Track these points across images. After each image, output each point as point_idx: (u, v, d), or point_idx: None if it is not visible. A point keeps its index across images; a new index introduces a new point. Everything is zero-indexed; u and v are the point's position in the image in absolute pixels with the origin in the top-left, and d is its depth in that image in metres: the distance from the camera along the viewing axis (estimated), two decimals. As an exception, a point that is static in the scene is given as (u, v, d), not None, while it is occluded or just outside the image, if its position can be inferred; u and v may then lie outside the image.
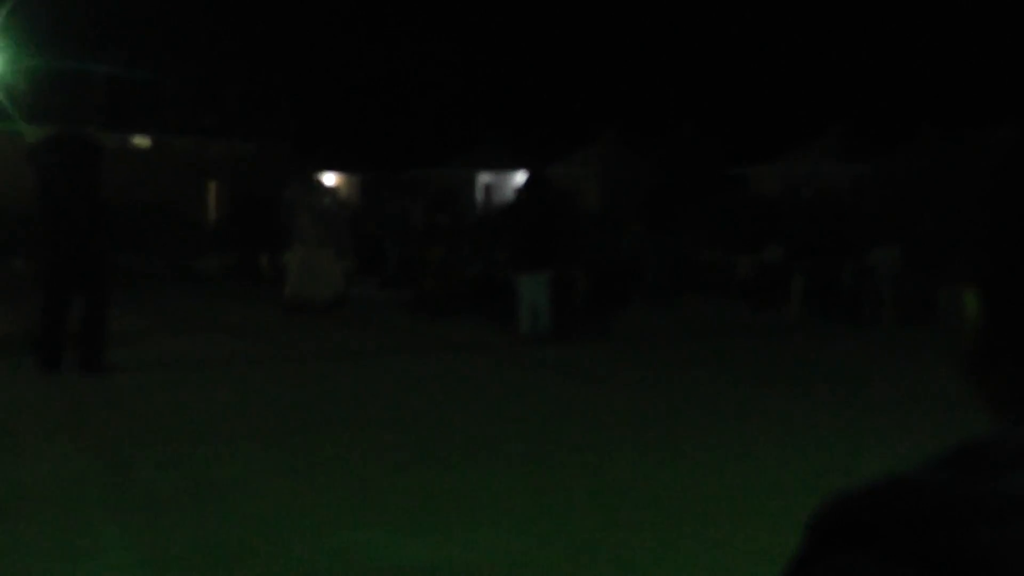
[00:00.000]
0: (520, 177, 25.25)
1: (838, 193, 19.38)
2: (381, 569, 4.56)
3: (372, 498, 5.59)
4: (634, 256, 16.77)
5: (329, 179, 39.87)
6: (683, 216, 18.94)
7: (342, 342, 11.99)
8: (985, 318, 0.69)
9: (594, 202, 34.07)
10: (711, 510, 5.45)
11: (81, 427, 7.14)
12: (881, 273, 14.90)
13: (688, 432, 7.29)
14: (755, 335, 13.33)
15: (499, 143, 46.51)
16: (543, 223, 12.33)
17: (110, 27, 34.73)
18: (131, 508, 5.34)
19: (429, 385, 9.14)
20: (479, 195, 44.52)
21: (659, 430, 7.38)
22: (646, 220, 17.98)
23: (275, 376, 9.48)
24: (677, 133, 44.12)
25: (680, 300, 16.57)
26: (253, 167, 32.04)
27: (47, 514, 5.20)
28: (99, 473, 5.99)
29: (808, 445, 6.97)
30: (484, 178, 46.28)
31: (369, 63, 50.15)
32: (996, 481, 0.57)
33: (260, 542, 4.81)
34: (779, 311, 15.50)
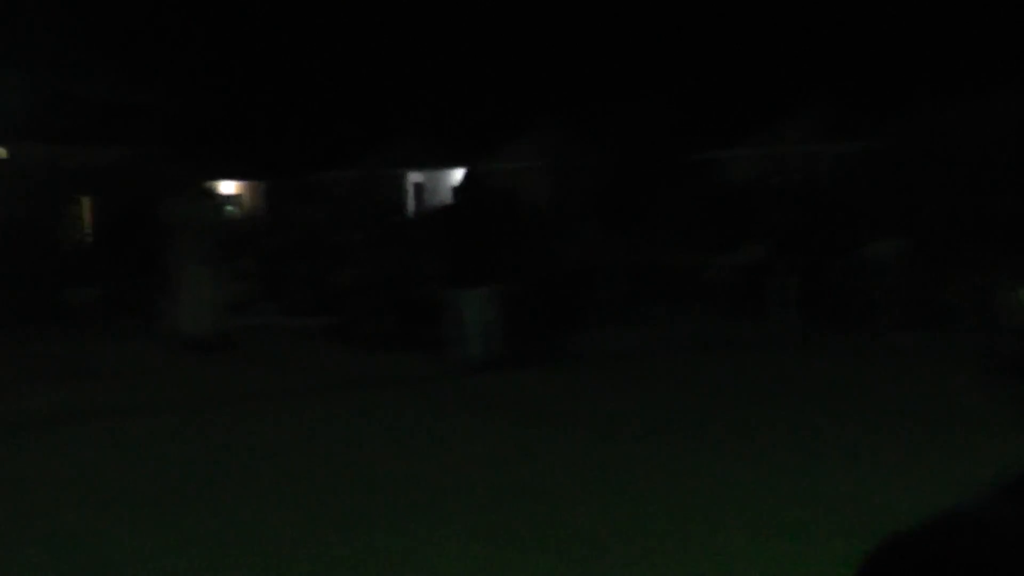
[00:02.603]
0: (458, 175, 25.19)
1: (824, 178, 19.51)
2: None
3: (293, 572, 5.47)
4: (588, 262, 16.75)
5: (227, 188, 39.61)
6: (643, 212, 18.98)
7: (246, 383, 11.83)
8: None
9: (538, 200, 34.13)
10: (692, 557, 5.39)
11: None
12: (878, 271, 14.99)
13: (658, 472, 7.24)
14: (732, 350, 13.33)
15: (429, 138, 46.54)
16: (484, 230, 12.26)
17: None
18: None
19: (352, 431, 9.02)
20: (409, 197, 44.47)
21: (626, 474, 7.31)
22: (600, 219, 17.99)
23: (164, 428, 9.32)
24: (630, 113, 44.36)
25: (644, 312, 16.58)
26: (127, 177, 31.75)
27: None
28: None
29: (801, 477, 6.93)
30: (414, 177, 46.28)
31: (268, 48, 49.81)
32: None
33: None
34: (760, 320, 15.54)
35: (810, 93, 43.09)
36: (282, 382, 11.91)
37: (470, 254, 12.20)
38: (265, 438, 8.80)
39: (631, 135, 40.60)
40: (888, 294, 14.82)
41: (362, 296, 14.73)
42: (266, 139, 47.66)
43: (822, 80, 46.10)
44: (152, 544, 5.96)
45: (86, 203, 32.30)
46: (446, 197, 35.58)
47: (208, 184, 16.01)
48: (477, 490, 6.89)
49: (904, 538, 0.59)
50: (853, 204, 17.04)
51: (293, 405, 10.41)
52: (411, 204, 42.26)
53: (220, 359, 13.46)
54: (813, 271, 15.46)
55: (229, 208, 15.17)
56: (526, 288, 13.58)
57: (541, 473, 7.32)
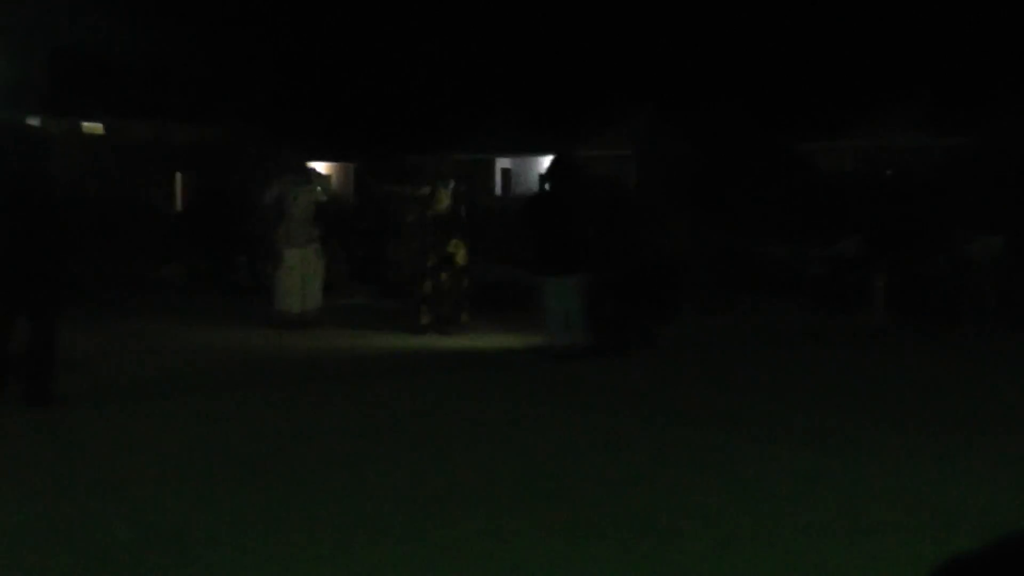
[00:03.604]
0: (545, 162, 25.16)
1: (927, 172, 19.26)
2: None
3: (375, 554, 5.53)
4: (683, 253, 16.68)
5: (319, 168, 40.02)
6: (739, 204, 18.85)
7: (338, 363, 11.94)
8: None
9: (630, 188, 34.01)
10: (774, 554, 5.38)
11: (25, 469, 7.11)
12: (981, 268, 14.78)
13: (747, 464, 7.23)
14: (829, 345, 13.24)
15: (518, 124, 46.34)
16: (573, 217, 12.24)
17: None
18: (83, 565, 5.29)
19: (439, 414, 9.09)
20: (497, 183, 44.51)
21: (715, 462, 7.31)
22: (693, 209, 17.89)
23: (256, 406, 9.44)
24: (727, 105, 44.00)
25: (739, 304, 16.49)
26: (224, 155, 32.13)
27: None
28: (45, 523, 5.95)
29: (886, 482, 6.88)
30: (502, 163, 46.25)
31: (363, 32, 50.12)
32: None
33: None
34: (858, 315, 15.39)
35: (912, 86, 42.46)
36: (378, 363, 11.98)
37: (557, 241, 12.19)
38: (355, 418, 8.88)
39: (726, 127, 40.29)
40: (985, 294, 14.61)
41: (459, 280, 14.72)
42: (356, 121, 47.93)
43: (924, 73, 45.36)
44: (238, 519, 6.06)
45: (181, 179, 32.77)
46: (534, 183, 35.53)
47: (308, 165, 16.18)
48: (553, 481, 6.91)
49: (965, 561, 0.62)
50: (954, 200, 16.81)
51: (385, 386, 10.49)
52: (499, 189, 42.29)
53: (318, 339, 13.59)
54: (912, 267, 15.29)
55: (323, 189, 15.27)
56: (615, 277, 13.54)
57: (616, 463, 7.32)
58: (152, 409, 9.25)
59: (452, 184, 14.46)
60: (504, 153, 45.77)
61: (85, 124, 35.52)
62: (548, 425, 8.60)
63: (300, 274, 14.63)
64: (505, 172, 45.95)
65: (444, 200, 14.32)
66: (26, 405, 9.00)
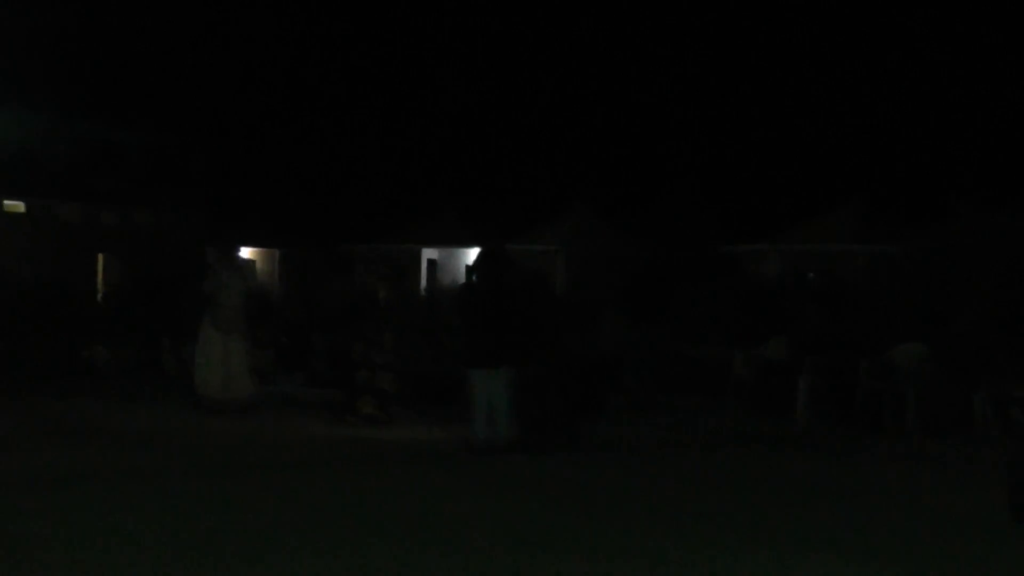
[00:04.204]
0: (473, 253, 25.26)
1: (852, 277, 19.57)
2: None
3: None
4: (612, 350, 16.76)
5: (243, 253, 39.90)
6: (669, 303, 19.02)
7: (266, 451, 11.86)
8: None
9: (562, 284, 34.20)
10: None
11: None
12: (904, 374, 14.97)
13: (654, 561, 7.26)
14: (754, 447, 13.33)
15: (448, 215, 46.53)
16: (504, 308, 12.28)
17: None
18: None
19: (368, 506, 9.03)
20: (423, 274, 44.53)
21: (636, 565, 7.32)
22: (626, 307, 18.02)
23: (179, 494, 9.32)
24: (661, 204, 44.52)
25: (666, 403, 16.55)
26: (153, 239, 31.99)
27: None
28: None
29: (776, 569, 6.95)
30: (429, 254, 46.30)
31: (292, 118, 50.24)
32: None
33: None
34: (784, 417, 15.52)
35: (841, 192, 43.17)
36: (304, 452, 11.92)
37: (486, 333, 12.22)
38: (284, 507, 8.80)
39: (659, 226, 40.73)
40: (907, 401, 14.80)
41: (392, 369, 14.71)
42: (283, 208, 47.85)
43: (854, 181, 46.25)
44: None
45: (106, 261, 32.52)
46: (460, 275, 35.63)
47: (238, 250, 16.19)
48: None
49: None
50: (881, 305, 17.08)
51: (312, 476, 10.43)
52: (423, 280, 42.28)
53: (246, 426, 13.52)
54: (838, 370, 15.45)
55: (250, 276, 15.33)
56: (545, 372, 13.56)
57: (530, 555, 7.32)
58: (68, 497, 9.10)
59: (387, 275, 14.58)
60: (430, 244, 45.83)
61: (7, 202, 35.21)
62: (462, 520, 8.55)
63: (224, 360, 14.61)
64: (431, 263, 45.99)
65: (381, 292, 14.41)
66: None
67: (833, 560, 7.45)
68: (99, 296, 25.70)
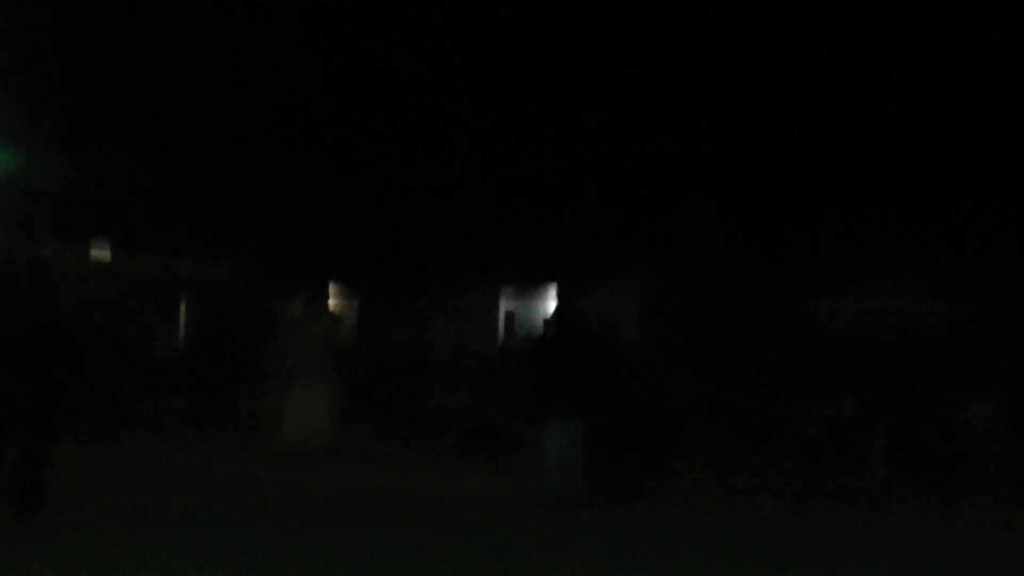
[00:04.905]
0: (549, 305, 25.26)
1: (927, 335, 19.33)
2: None
3: None
4: (682, 404, 16.65)
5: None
6: (737, 358, 18.87)
7: (341, 501, 11.89)
8: None
9: (633, 338, 34.03)
10: None
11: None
12: (980, 433, 14.74)
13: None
14: (825, 503, 13.16)
15: (525, 267, 46.48)
16: (573, 363, 12.27)
17: (60, 120, 35.27)
18: None
19: (443, 561, 9.01)
20: (500, 325, 44.53)
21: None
22: (695, 362, 17.90)
23: (250, 542, 9.35)
24: (732, 259, 44.29)
25: (732, 458, 16.41)
26: (230, 289, 32.21)
27: None
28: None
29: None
30: (506, 307, 46.30)
31: (368, 173, 50.65)
32: None
33: None
34: (850, 474, 15.32)
35: (914, 248, 42.73)
36: (376, 502, 11.94)
37: (555, 387, 12.23)
38: (362, 559, 8.80)
39: (730, 282, 40.54)
40: (983, 458, 14.56)
41: (448, 423, 14.81)
42: (359, 261, 48.07)
43: (928, 236, 45.76)
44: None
45: (184, 311, 32.81)
46: (537, 328, 35.64)
47: (326, 301, 16.22)
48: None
49: None
50: (956, 362, 16.84)
51: (384, 526, 10.44)
52: (501, 333, 42.23)
53: (319, 477, 13.56)
54: (911, 429, 15.25)
55: (338, 329, 15.44)
56: (613, 426, 13.53)
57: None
58: (142, 544, 9.15)
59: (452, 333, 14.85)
60: (507, 296, 45.82)
61: (93, 252, 35.65)
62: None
63: (303, 410, 14.60)
64: (509, 315, 45.92)
65: (446, 350, 14.63)
66: (11, 533, 8.89)
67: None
68: (177, 345, 25.92)
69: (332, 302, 40.61)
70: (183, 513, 10.65)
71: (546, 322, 14.12)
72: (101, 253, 36.17)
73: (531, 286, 44.85)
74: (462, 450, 14.52)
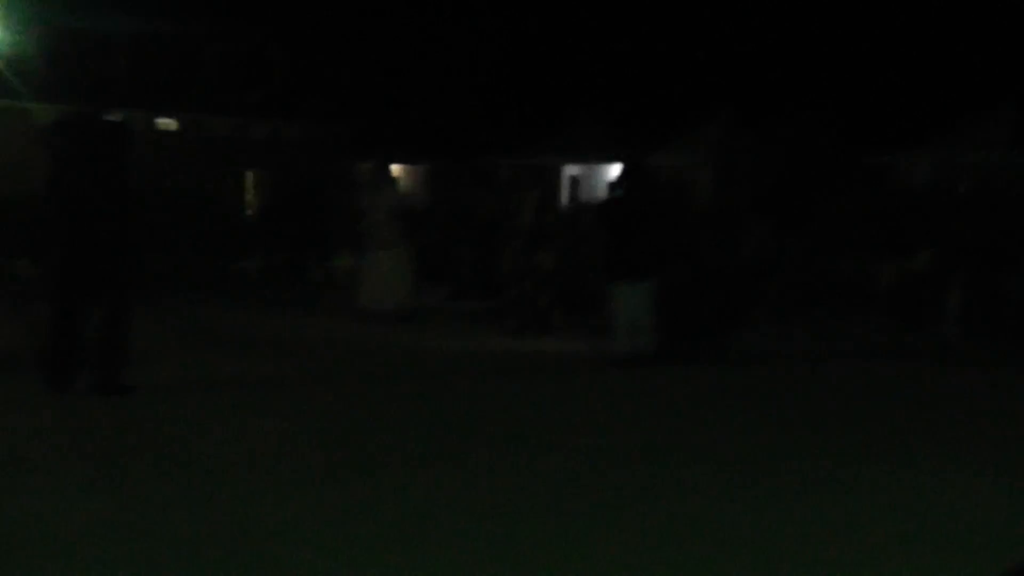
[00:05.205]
0: (615, 169, 25.10)
1: (1004, 187, 19.02)
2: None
3: (449, 554, 5.57)
4: (757, 262, 16.58)
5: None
6: (813, 214, 18.71)
7: (412, 361, 12.05)
8: None
9: (706, 196, 33.85)
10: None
11: (96, 459, 7.21)
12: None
13: (789, 474, 7.20)
14: (899, 361, 13.08)
15: (588, 127, 45.98)
16: (644, 223, 12.24)
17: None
18: (153, 557, 5.37)
19: (514, 414, 9.13)
20: (564, 189, 44.41)
21: (771, 479, 7.28)
22: (771, 218, 17.78)
23: (331, 401, 9.52)
24: (802, 115, 43.62)
25: (808, 315, 16.34)
26: (300, 153, 32.32)
27: (56, 562, 5.26)
28: (116, 514, 6.03)
29: (934, 493, 6.84)
30: (571, 170, 46.06)
31: (428, 36, 50.14)
32: None
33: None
34: (932, 330, 15.22)
35: (995, 98, 41.82)
36: (451, 362, 12.10)
37: (627, 247, 12.20)
38: (431, 414, 8.92)
39: (805, 135, 39.95)
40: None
41: (521, 282, 14.90)
42: (422, 124, 47.94)
43: (1008, 85, 44.69)
44: (311, 514, 6.11)
45: (256, 176, 33.00)
46: (602, 191, 35.53)
47: (389, 166, 16.52)
48: (594, 488, 6.91)
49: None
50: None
51: (459, 383, 10.61)
52: (565, 196, 42.16)
53: (397, 337, 13.78)
54: (987, 283, 15.10)
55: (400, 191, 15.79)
56: (686, 284, 13.52)
57: (662, 473, 7.31)
58: (224, 402, 9.35)
59: (535, 194, 14.94)
60: (573, 160, 45.53)
61: (160, 120, 35.86)
62: (596, 432, 8.59)
63: (378, 271, 15.01)
64: (573, 180, 45.73)
65: (528, 211, 14.67)
66: (97, 395, 9.11)
67: (969, 476, 7.34)
68: (248, 211, 26.15)
69: (397, 168, 40.78)
70: (263, 373, 10.84)
71: (611, 184, 14.08)
72: (167, 121, 36.36)
73: (597, 148, 44.52)
74: (539, 311, 14.62)
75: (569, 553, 5.57)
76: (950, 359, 13.29)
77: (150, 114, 33.92)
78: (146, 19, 34.85)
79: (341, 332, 14.02)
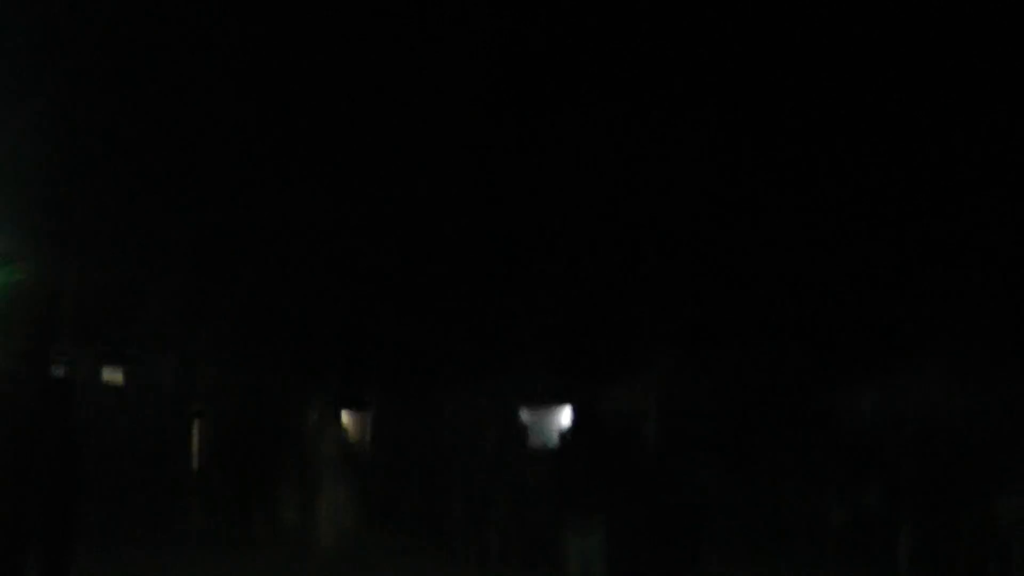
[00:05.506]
0: (565, 414, 25.25)
1: (954, 425, 19.20)
2: None
3: None
4: (706, 500, 16.55)
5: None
6: (763, 452, 18.81)
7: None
8: None
9: (653, 435, 33.79)
10: None
11: None
12: (1007, 528, 14.58)
13: None
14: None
15: (538, 372, 46.00)
16: (595, 467, 12.29)
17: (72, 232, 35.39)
18: None
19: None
20: (515, 435, 44.24)
21: None
22: (719, 457, 17.85)
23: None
24: (754, 350, 43.93)
25: (761, 554, 16.27)
26: (247, 398, 32.24)
27: None
28: None
29: None
30: (522, 416, 45.92)
31: (382, 284, 50.78)
32: None
33: None
34: (883, 569, 15.16)
35: (939, 334, 42.37)
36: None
37: (574, 496, 12.23)
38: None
39: (752, 373, 40.25)
40: (1018, 554, 14.41)
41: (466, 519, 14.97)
42: (373, 373, 47.97)
43: (953, 322, 45.40)
44: None
45: (201, 424, 32.78)
46: (551, 436, 35.53)
47: (339, 412, 16.89)
48: None
49: None
50: (984, 453, 16.72)
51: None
52: (517, 444, 41.92)
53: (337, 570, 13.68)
54: (937, 522, 15.11)
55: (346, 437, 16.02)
56: (637, 524, 13.51)
57: None
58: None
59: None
60: (523, 403, 45.42)
61: (105, 371, 35.60)
62: None
63: (330, 513, 15.07)
64: (522, 427, 45.51)
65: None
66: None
67: None
68: (194, 461, 25.94)
69: (345, 415, 40.84)
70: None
71: (562, 435, 14.31)
72: (113, 375, 36.21)
73: (547, 397, 44.51)
74: (488, 553, 14.59)
75: None
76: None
77: (97, 365, 33.78)
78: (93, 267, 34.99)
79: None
